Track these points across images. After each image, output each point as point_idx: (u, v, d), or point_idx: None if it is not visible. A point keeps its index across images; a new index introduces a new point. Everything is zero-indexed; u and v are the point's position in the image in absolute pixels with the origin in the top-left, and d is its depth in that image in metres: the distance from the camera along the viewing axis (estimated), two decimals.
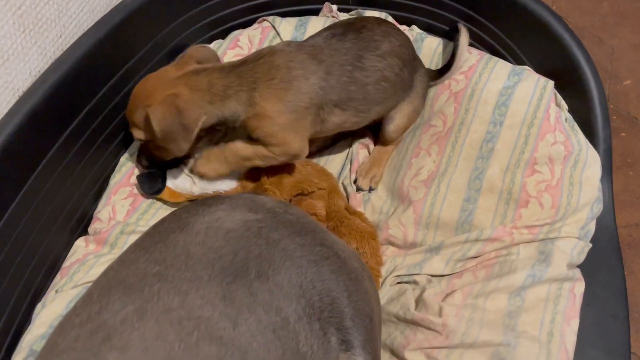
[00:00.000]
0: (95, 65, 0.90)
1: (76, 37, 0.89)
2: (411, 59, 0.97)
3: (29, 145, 0.82)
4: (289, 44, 0.89)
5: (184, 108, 0.79)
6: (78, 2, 0.89)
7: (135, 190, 0.96)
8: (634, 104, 1.32)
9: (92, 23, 0.92)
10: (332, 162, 1.09)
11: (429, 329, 0.80)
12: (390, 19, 1.15)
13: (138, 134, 0.86)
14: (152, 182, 0.93)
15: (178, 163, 0.93)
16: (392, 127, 1.01)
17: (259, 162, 0.90)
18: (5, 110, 0.80)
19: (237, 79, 0.83)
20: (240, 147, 0.89)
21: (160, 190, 0.92)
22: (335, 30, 0.91)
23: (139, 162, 0.94)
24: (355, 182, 1.04)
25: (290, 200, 0.97)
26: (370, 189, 1.03)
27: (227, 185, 0.95)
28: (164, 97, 0.80)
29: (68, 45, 0.88)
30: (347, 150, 1.09)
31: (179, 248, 0.71)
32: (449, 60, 1.05)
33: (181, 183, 0.93)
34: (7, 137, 0.78)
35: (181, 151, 0.83)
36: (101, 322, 0.63)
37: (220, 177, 0.93)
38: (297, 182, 0.95)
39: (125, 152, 1.01)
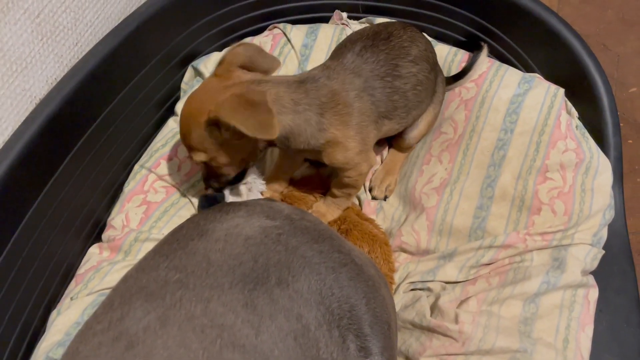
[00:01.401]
0: (110, 73, 0.91)
1: (92, 45, 0.90)
2: (435, 63, 0.98)
3: (46, 152, 0.82)
4: (328, 66, 0.86)
5: (257, 100, 0.73)
6: (94, 10, 0.90)
7: (149, 198, 0.96)
8: None
9: (108, 31, 0.92)
10: None
11: (445, 335, 0.80)
12: None
13: (199, 157, 0.81)
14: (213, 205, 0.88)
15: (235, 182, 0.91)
16: (415, 132, 1.01)
17: (351, 191, 0.95)
18: (23, 118, 0.80)
19: (305, 97, 0.80)
20: (332, 194, 0.97)
21: None
22: (365, 42, 0.89)
23: (208, 186, 0.90)
24: (370, 190, 1.05)
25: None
26: (385, 198, 1.04)
27: None
28: (223, 99, 0.74)
29: (84, 53, 0.88)
30: None
31: (199, 255, 0.71)
32: (464, 69, 1.05)
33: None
34: (25, 144, 0.79)
35: (256, 154, 0.84)
36: (123, 329, 0.63)
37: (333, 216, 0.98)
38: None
39: (138, 159, 1.01)
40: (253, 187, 0.97)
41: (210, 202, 0.89)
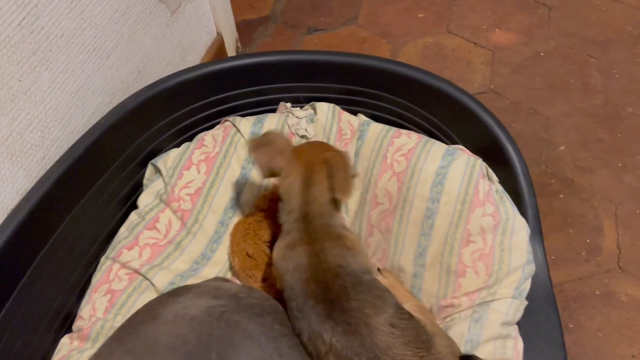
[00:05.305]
0: (75, 179, 1.02)
1: (58, 157, 1.02)
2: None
3: (17, 257, 0.92)
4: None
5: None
6: (59, 126, 1.03)
7: (113, 286, 1.05)
8: (570, 167, 1.45)
9: (72, 143, 1.05)
10: None
11: None
12: (337, 109, 1.30)
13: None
14: None
15: None
16: None
17: None
18: None
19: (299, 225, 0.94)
20: None
21: None
22: (324, 304, 0.83)
23: None
24: None
25: None
26: None
27: None
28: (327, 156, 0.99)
29: (51, 165, 1.01)
30: None
31: (149, 338, 0.80)
32: None
33: None
34: None
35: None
36: None
37: None
38: None
39: (104, 253, 1.11)
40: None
41: None
